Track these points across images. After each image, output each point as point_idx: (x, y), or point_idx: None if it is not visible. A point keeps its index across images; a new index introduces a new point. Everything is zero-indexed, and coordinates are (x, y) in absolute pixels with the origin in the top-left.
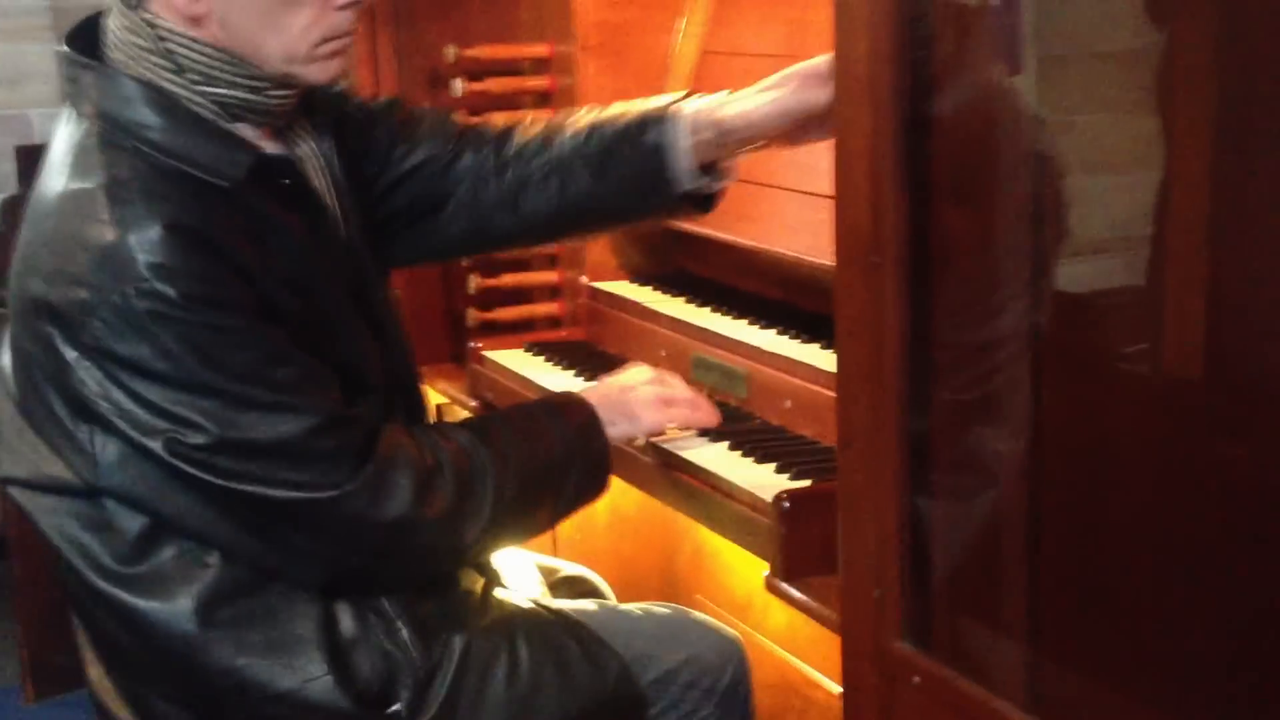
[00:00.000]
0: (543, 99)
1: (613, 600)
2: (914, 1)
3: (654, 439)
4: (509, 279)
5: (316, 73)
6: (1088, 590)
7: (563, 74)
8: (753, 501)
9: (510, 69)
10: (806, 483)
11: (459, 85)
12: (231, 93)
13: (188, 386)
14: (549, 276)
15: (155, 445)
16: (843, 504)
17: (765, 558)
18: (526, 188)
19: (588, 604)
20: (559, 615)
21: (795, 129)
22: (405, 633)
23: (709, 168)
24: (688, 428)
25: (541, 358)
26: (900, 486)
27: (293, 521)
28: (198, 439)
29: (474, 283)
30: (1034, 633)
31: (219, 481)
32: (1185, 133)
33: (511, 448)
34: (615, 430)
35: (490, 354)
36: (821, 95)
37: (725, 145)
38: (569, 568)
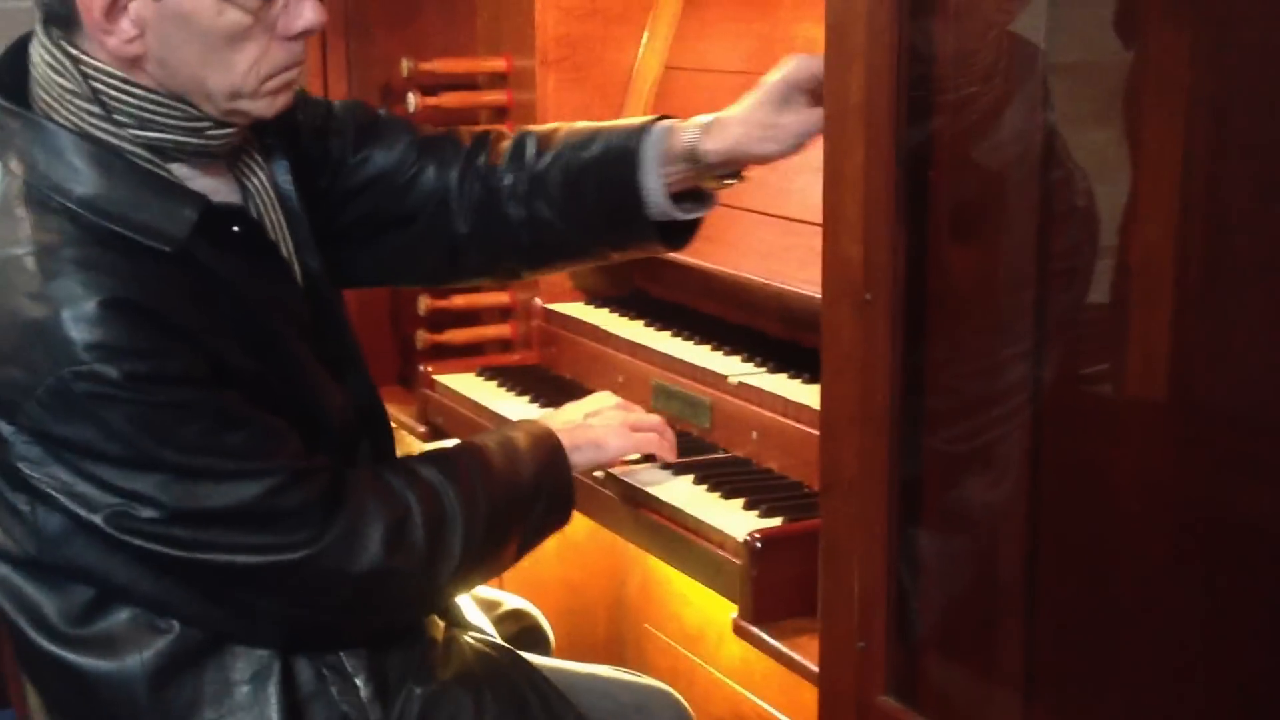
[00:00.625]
0: (500, 114)
1: (550, 634)
2: (912, 27)
3: (616, 472)
4: (459, 300)
5: (264, 108)
6: (1086, 644)
7: (521, 89)
8: (721, 540)
9: (467, 84)
10: (777, 521)
11: (413, 100)
12: (167, 136)
13: (137, 463)
14: (500, 297)
15: (100, 520)
16: (825, 550)
17: (733, 599)
18: (495, 217)
19: (558, 662)
20: (522, 665)
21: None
22: (364, 690)
23: (686, 196)
24: (654, 456)
25: (494, 383)
26: (888, 533)
27: (258, 586)
28: (150, 513)
29: (424, 304)
30: (1028, 688)
31: (176, 553)
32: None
33: (480, 485)
34: (580, 457)
35: (441, 379)
36: (810, 120)
37: (702, 177)
38: (511, 600)
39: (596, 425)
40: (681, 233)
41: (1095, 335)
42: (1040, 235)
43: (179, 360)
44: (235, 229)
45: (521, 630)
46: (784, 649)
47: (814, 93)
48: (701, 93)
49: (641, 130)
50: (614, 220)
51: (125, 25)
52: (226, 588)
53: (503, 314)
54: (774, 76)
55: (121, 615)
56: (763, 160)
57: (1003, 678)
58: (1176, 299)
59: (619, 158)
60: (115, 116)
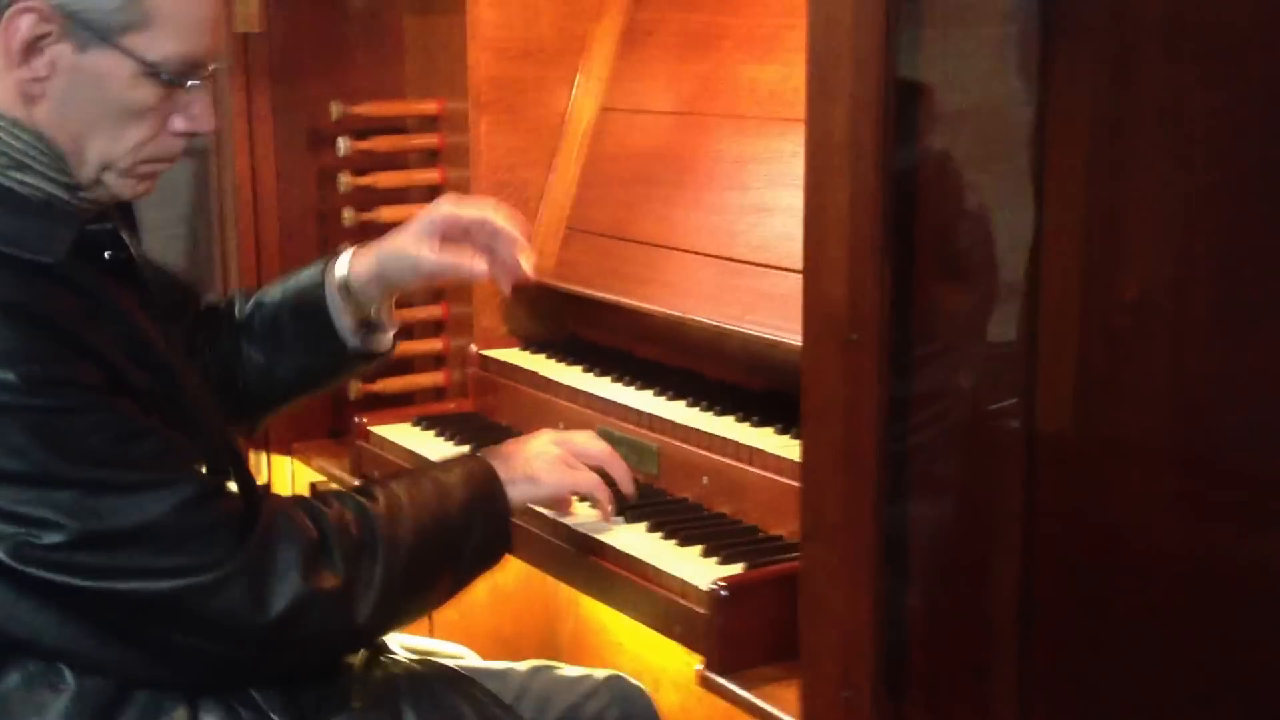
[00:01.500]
0: (431, 158)
1: None
2: (900, 62)
3: (565, 520)
4: None
5: (127, 188)
6: (1083, 693)
7: (453, 132)
8: (683, 589)
9: (397, 127)
10: (738, 567)
11: (344, 144)
12: (40, 184)
13: (37, 481)
14: (434, 344)
15: (2, 554)
16: (806, 598)
17: (696, 649)
18: (236, 366)
19: (495, 664)
20: (453, 676)
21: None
22: None
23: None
24: (594, 498)
25: (432, 432)
26: (874, 581)
27: (171, 617)
28: (53, 538)
29: None
30: None
31: (82, 583)
32: None
33: (402, 514)
34: (514, 491)
35: (377, 430)
36: (442, 260)
37: (366, 305)
38: (446, 648)
39: (533, 460)
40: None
41: (1093, 374)
42: (1031, 272)
43: (75, 366)
44: (108, 254)
45: None
46: (756, 700)
47: (450, 233)
48: (638, 134)
49: (326, 263)
50: (318, 351)
51: (39, 64)
52: (136, 623)
53: (436, 361)
54: (422, 214)
55: (13, 679)
56: (403, 288)
57: None
58: (1179, 336)
59: (307, 291)
60: None
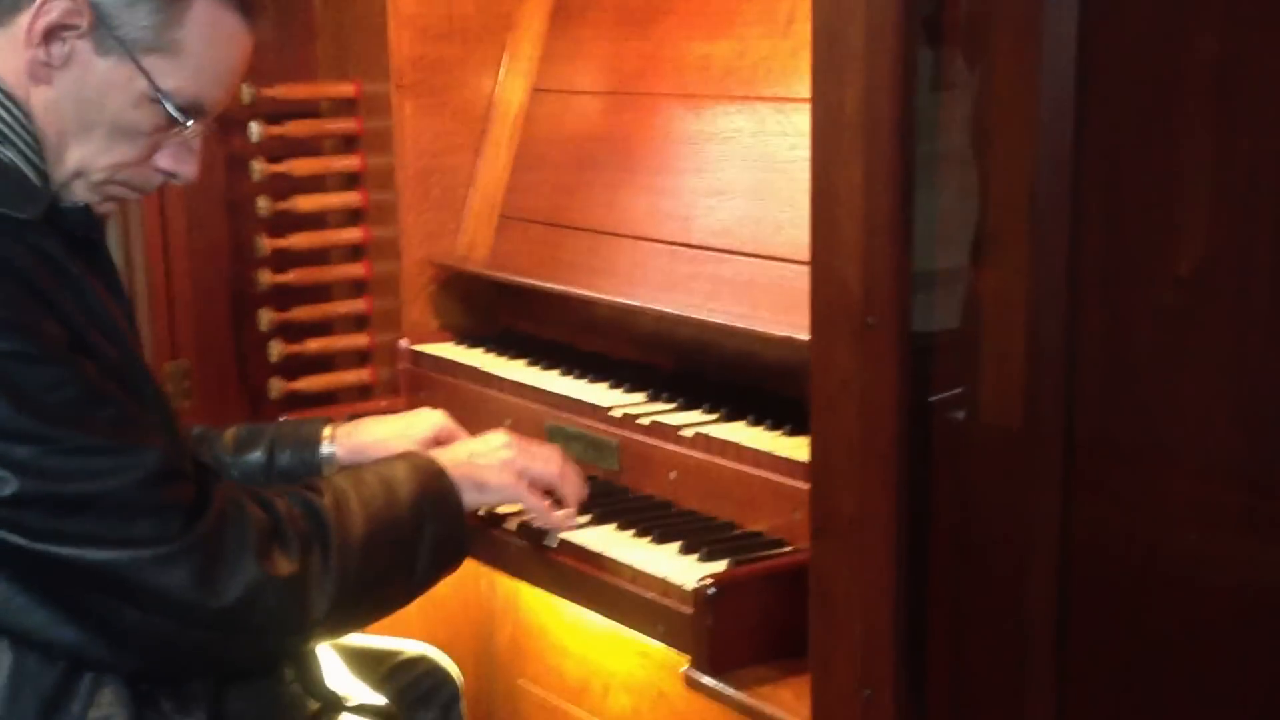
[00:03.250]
0: (349, 143)
1: (457, 678)
2: (917, 32)
3: (527, 520)
4: (314, 344)
5: (90, 202)
6: (1123, 691)
7: (372, 115)
8: (664, 588)
9: (311, 110)
10: (721, 565)
11: (256, 129)
12: (16, 160)
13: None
14: (359, 340)
15: None
16: (818, 594)
17: (681, 648)
18: None
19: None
20: None
21: None
22: None
23: None
24: (543, 509)
25: None
26: (894, 577)
27: (121, 589)
28: (2, 492)
29: (276, 350)
30: None
31: (24, 543)
32: None
33: (350, 506)
34: (461, 496)
35: None
36: None
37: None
38: (410, 646)
39: (481, 464)
40: None
41: (1138, 366)
42: (1072, 248)
43: (40, 318)
44: (84, 234)
45: (419, 677)
46: (748, 700)
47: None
48: (575, 116)
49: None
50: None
51: (56, 51)
52: (86, 592)
53: (360, 358)
54: (422, 432)
55: None
56: None
57: None
58: (1237, 327)
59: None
60: None
